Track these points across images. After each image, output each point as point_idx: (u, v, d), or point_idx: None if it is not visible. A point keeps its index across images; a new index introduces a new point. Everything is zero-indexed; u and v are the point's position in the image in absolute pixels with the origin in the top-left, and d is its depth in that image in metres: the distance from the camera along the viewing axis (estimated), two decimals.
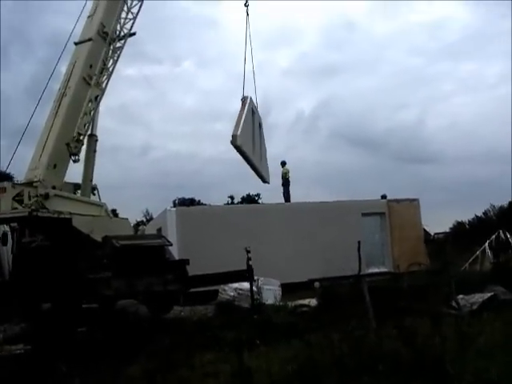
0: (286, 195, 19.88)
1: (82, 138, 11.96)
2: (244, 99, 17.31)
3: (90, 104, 12.14)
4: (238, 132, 15.96)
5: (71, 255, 10.52)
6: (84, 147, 12.69)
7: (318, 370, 5.40)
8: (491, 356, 5.77)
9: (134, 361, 7.02)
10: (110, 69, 12.92)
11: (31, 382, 6.11)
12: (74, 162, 11.92)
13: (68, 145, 11.54)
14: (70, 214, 10.79)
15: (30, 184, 10.86)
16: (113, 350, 7.55)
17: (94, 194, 15.26)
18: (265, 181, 19.81)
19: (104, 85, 12.70)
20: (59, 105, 11.79)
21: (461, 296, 10.08)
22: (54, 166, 11.36)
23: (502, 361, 5.51)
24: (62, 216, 10.62)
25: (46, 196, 10.80)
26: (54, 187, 11.22)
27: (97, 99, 12.48)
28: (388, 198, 20.34)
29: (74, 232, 10.65)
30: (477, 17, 64.11)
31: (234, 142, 15.88)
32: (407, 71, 63.04)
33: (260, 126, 19.07)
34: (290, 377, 5.45)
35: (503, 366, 5.33)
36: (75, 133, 11.68)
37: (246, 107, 17.09)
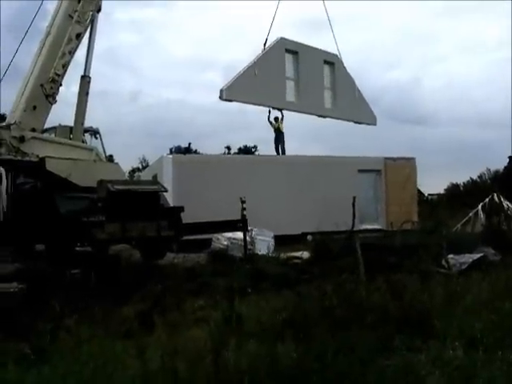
0: (282, 150, 19.52)
1: (58, 78, 11.48)
2: (265, 43, 17.13)
3: (70, 43, 11.62)
4: (225, 86, 15.86)
5: (50, 198, 10.43)
6: (76, 89, 12.46)
7: (307, 319, 5.49)
8: (477, 313, 5.89)
9: (125, 303, 7.13)
10: (96, 4, 12.27)
11: (25, 319, 6.20)
12: (51, 104, 11.51)
13: (42, 86, 11.16)
14: (38, 156, 10.61)
15: (7, 127, 10.67)
16: (105, 293, 7.65)
17: (97, 138, 15.14)
18: (360, 123, 19.86)
19: (87, 22, 12.08)
20: (43, 45, 11.45)
21: (451, 256, 10.21)
22: (34, 108, 11.10)
23: (486, 318, 5.64)
24: (27, 159, 10.45)
25: (22, 139, 10.62)
26: (33, 129, 11.03)
27: (78, 37, 11.89)
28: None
29: (48, 175, 10.52)
30: None
31: (220, 97, 15.81)
32: (404, 28, 61.59)
33: (328, 62, 18.95)
34: (279, 325, 5.55)
35: (487, 323, 5.46)
36: (51, 73, 11.27)
37: (264, 52, 16.92)
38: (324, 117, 19.28)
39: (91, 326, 5.97)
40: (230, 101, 16.49)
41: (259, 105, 17.90)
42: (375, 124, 20.84)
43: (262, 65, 16.82)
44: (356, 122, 20.15)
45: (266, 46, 17.33)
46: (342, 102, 19.41)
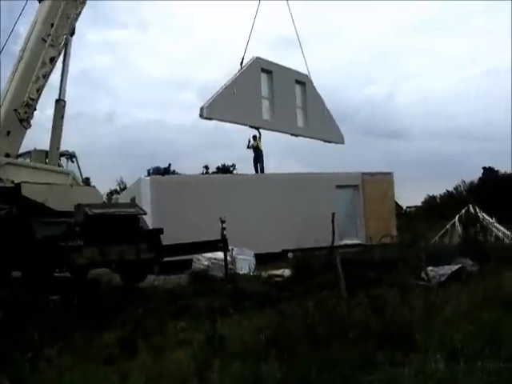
0: (260, 168, 19.70)
1: (32, 103, 11.34)
2: (241, 62, 17.27)
3: (44, 67, 11.49)
4: (206, 104, 15.96)
5: (26, 224, 10.30)
6: (51, 113, 12.36)
7: (290, 338, 5.50)
8: (456, 325, 5.98)
9: (106, 329, 7.03)
10: (69, 27, 12.18)
11: (3, 348, 6.06)
12: (26, 128, 11.37)
13: (16, 111, 11.02)
14: (13, 182, 10.51)
15: None
16: (85, 319, 7.54)
17: (73, 162, 14.98)
18: (328, 142, 20.00)
19: (61, 45, 12.00)
20: (17, 69, 11.36)
21: (430, 268, 10.34)
22: (8, 133, 10.98)
23: (465, 329, 5.72)
24: (2, 185, 10.33)
25: None
26: (7, 155, 10.92)
27: (52, 61, 11.76)
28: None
29: (24, 200, 10.42)
30: None
31: (201, 115, 15.89)
32: (378, 45, 62.87)
33: (299, 82, 19.19)
34: (262, 344, 5.54)
35: (467, 334, 5.54)
36: (25, 98, 11.14)
37: (241, 71, 17.06)
38: (297, 135, 19.53)
39: (72, 353, 5.86)
40: (210, 119, 16.60)
41: (238, 123, 18.03)
42: (343, 143, 21.14)
43: (239, 84, 17.00)
44: (325, 141, 20.42)
45: (243, 65, 17.53)
46: (313, 120, 19.74)
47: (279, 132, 19.28)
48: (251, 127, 18.47)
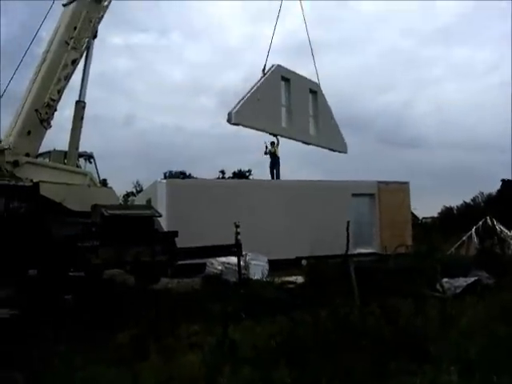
0: (276, 174, 19.77)
1: (53, 104, 11.50)
2: (264, 69, 17.33)
3: (65, 69, 11.68)
4: (234, 110, 15.98)
5: (44, 223, 10.41)
6: (71, 114, 12.49)
7: (302, 344, 5.47)
8: (472, 337, 5.89)
9: (119, 329, 7.07)
10: (92, 30, 12.37)
11: (17, 346, 6.13)
12: (46, 129, 11.52)
13: (37, 111, 11.18)
14: (32, 181, 10.64)
15: (1, 152, 10.71)
16: (99, 319, 7.59)
17: (91, 163, 15.15)
18: (334, 150, 19.95)
19: (83, 48, 12.19)
20: (39, 70, 11.54)
21: (445, 279, 10.22)
22: (28, 133, 11.13)
23: (481, 342, 5.63)
24: (21, 184, 10.46)
25: (16, 163, 10.65)
26: (27, 154, 11.07)
27: (74, 63, 11.94)
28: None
29: (42, 200, 10.53)
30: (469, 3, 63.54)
31: (228, 121, 15.90)
32: (396, 53, 62.60)
33: (313, 91, 19.14)
34: (274, 350, 5.52)
35: (482, 347, 5.45)
36: (47, 98, 11.30)
37: (266, 77, 17.11)
38: (308, 144, 19.52)
39: (85, 353, 5.90)
40: (238, 125, 16.65)
41: (261, 130, 18.06)
42: (346, 152, 21.00)
43: (262, 90, 17.05)
44: (330, 150, 20.35)
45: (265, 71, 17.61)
46: (323, 129, 19.75)
47: (294, 140, 19.30)
48: (270, 134, 18.51)
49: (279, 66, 18.14)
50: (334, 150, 20.30)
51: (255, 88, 16.79)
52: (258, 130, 17.60)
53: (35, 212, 10.58)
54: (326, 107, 20.10)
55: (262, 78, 17.25)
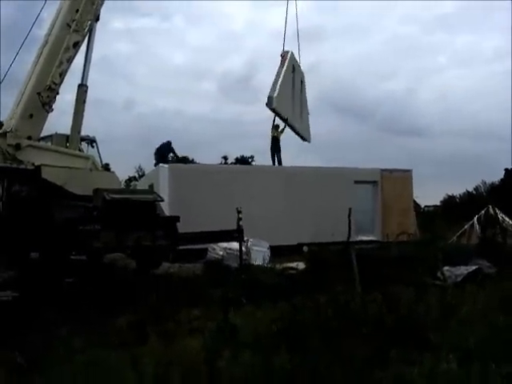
0: (278, 160, 19.65)
1: (55, 87, 11.46)
2: (284, 54, 17.26)
3: (67, 52, 11.62)
4: (275, 94, 15.92)
5: (46, 206, 10.42)
6: (73, 97, 12.44)
7: (302, 330, 5.48)
8: (471, 326, 5.89)
9: (120, 313, 7.10)
10: (94, 13, 12.26)
11: (18, 328, 6.16)
12: (48, 112, 11.51)
13: (39, 94, 11.15)
14: (34, 164, 10.62)
15: (3, 134, 10.69)
16: (100, 302, 7.62)
17: (93, 147, 15.13)
18: (305, 139, 20.02)
19: (85, 31, 12.11)
20: (41, 53, 11.47)
21: (446, 268, 10.22)
22: (31, 116, 11.12)
23: (480, 331, 5.63)
24: (23, 167, 10.45)
25: (18, 146, 10.65)
26: (29, 137, 11.04)
27: (76, 46, 11.88)
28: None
29: (44, 183, 10.53)
30: None
31: (269, 105, 15.84)
32: (400, 40, 61.99)
33: (302, 82, 19.23)
34: (274, 336, 5.53)
35: (482, 336, 5.45)
36: (49, 81, 11.25)
37: (286, 64, 17.12)
38: (293, 130, 19.50)
39: (85, 336, 5.93)
40: (274, 110, 16.75)
41: (284, 118, 18.11)
42: (310, 141, 21.04)
43: (285, 78, 17.16)
44: (301, 137, 20.36)
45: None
46: (304, 117, 19.87)
47: (291, 127, 19.28)
48: (284, 121, 18.55)
49: (292, 53, 18.24)
50: (303, 138, 20.36)
51: (281, 75, 16.82)
52: (283, 116, 17.64)
53: (37, 195, 10.59)
54: (305, 96, 20.25)
55: (282, 63, 17.24)
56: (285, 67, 17.21)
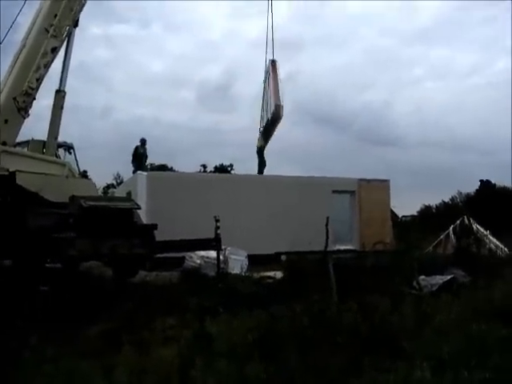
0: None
1: (32, 92, 11.29)
2: (273, 62, 17.43)
3: (45, 57, 11.45)
4: (283, 103, 16.00)
5: (20, 213, 10.26)
6: (50, 103, 12.33)
7: (278, 339, 5.47)
8: (445, 335, 5.95)
9: (94, 322, 6.99)
10: (73, 19, 12.14)
11: None
12: (24, 117, 11.34)
13: (15, 99, 11.00)
14: (8, 170, 10.48)
15: None
16: (74, 311, 7.50)
17: (70, 154, 14.93)
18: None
19: (64, 36, 11.97)
20: (18, 57, 11.33)
21: (422, 277, 10.32)
22: (6, 121, 10.96)
23: (454, 340, 5.70)
24: None
25: None
26: (4, 143, 10.89)
27: (54, 52, 11.72)
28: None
29: (19, 190, 10.38)
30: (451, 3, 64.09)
31: (277, 114, 15.89)
32: (377, 52, 62.88)
33: None
34: (250, 345, 5.51)
35: (455, 344, 5.51)
36: (25, 86, 11.09)
37: (279, 71, 17.31)
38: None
39: (57, 345, 5.82)
40: (279, 119, 16.94)
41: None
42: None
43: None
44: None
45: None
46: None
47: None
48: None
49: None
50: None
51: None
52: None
53: (11, 201, 10.41)
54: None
55: (274, 71, 17.44)
56: (280, 75, 17.43)
